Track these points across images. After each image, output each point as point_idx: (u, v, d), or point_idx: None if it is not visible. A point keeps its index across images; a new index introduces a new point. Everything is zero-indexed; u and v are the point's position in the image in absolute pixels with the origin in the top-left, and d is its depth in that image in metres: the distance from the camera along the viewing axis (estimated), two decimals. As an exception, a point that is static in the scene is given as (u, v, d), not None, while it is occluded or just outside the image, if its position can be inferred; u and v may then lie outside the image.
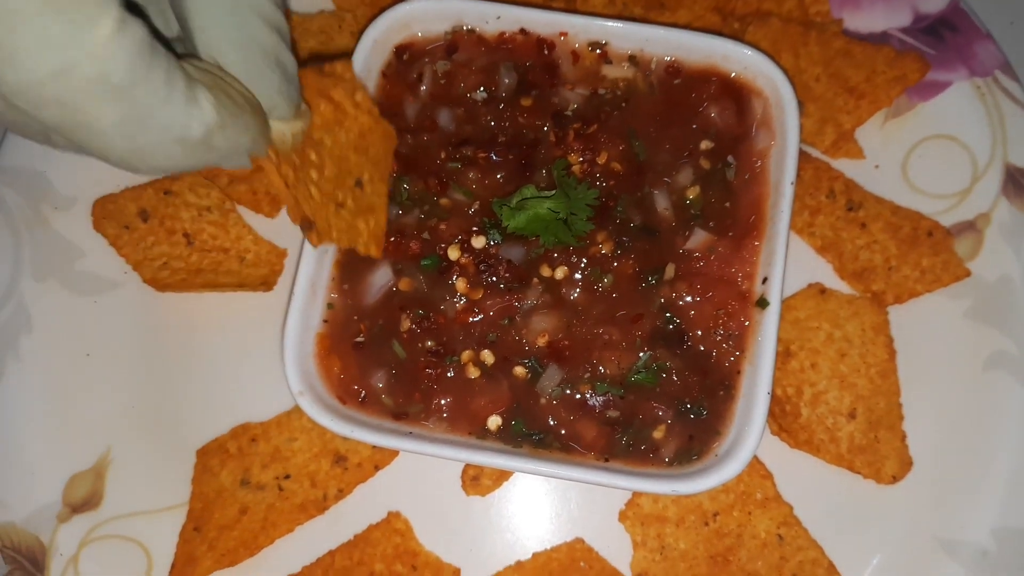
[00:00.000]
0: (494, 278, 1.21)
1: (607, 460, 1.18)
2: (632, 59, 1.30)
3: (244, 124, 0.86)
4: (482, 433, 1.19)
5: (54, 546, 1.30)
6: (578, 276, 1.21)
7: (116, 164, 0.80)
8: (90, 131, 0.74)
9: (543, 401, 1.19)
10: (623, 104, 1.29)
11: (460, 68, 1.31)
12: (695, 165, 1.26)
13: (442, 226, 1.23)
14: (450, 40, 1.32)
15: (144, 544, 1.31)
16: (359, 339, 1.22)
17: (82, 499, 1.32)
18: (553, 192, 1.22)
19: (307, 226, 1.09)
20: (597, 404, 1.18)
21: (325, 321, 1.23)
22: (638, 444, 1.18)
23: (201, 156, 0.84)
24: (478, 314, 1.20)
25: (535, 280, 1.21)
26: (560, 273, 1.21)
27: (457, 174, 1.25)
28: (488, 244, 1.22)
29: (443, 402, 1.19)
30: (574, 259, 1.22)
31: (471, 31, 1.32)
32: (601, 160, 1.25)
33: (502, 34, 1.32)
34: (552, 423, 1.19)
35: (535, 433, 1.18)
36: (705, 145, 1.27)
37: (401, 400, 1.20)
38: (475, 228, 1.23)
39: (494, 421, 1.19)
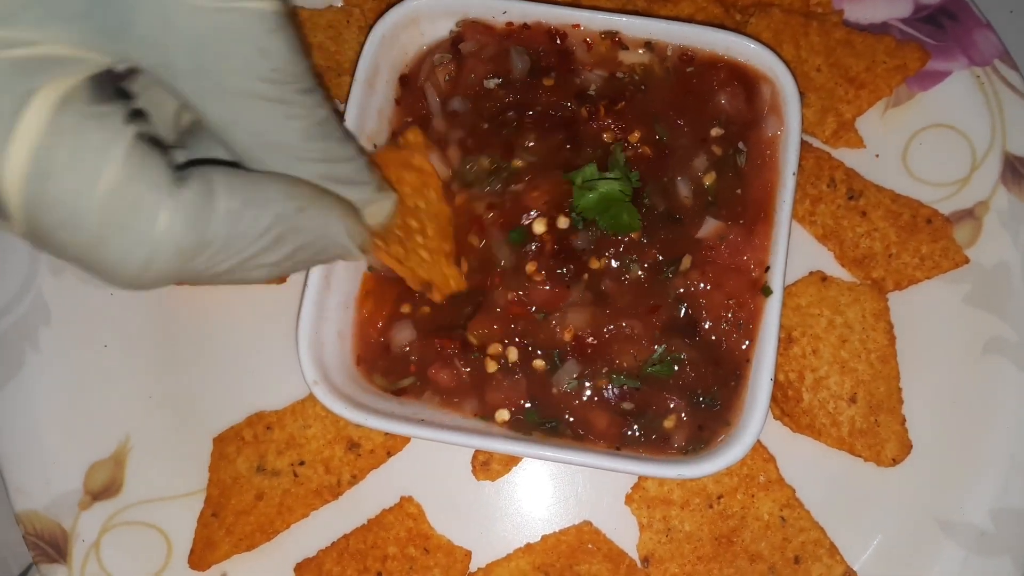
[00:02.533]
0: (563, 269, 1.20)
1: (618, 449, 1.19)
2: (648, 45, 1.31)
3: (323, 207, 0.94)
4: (490, 417, 1.20)
5: (76, 532, 1.33)
6: (615, 264, 1.20)
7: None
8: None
9: (555, 392, 1.20)
10: (643, 87, 1.29)
11: (469, 58, 1.31)
12: (708, 152, 1.26)
13: (534, 194, 1.21)
14: (456, 33, 1.33)
15: (163, 530, 1.34)
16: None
17: (102, 486, 1.36)
18: (617, 175, 1.20)
19: (427, 288, 1.18)
20: (613, 397, 1.19)
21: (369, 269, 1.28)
22: (649, 434, 1.19)
23: (293, 257, 0.93)
24: (526, 307, 1.20)
25: (586, 276, 1.20)
26: (598, 264, 1.20)
27: (516, 137, 1.24)
28: (571, 226, 1.20)
29: (438, 377, 1.21)
30: (612, 248, 1.21)
31: (478, 22, 1.32)
32: (633, 138, 1.25)
33: (510, 24, 1.32)
34: (565, 412, 1.20)
35: (548, 421, 1.20)
36: (715, 132, 1.27)
37: (394, 378, 1.23)
38: (565, 208, 1.21)
39: (504, 413, 1.20)
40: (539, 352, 1.20)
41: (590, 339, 1.19)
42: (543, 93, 1.28)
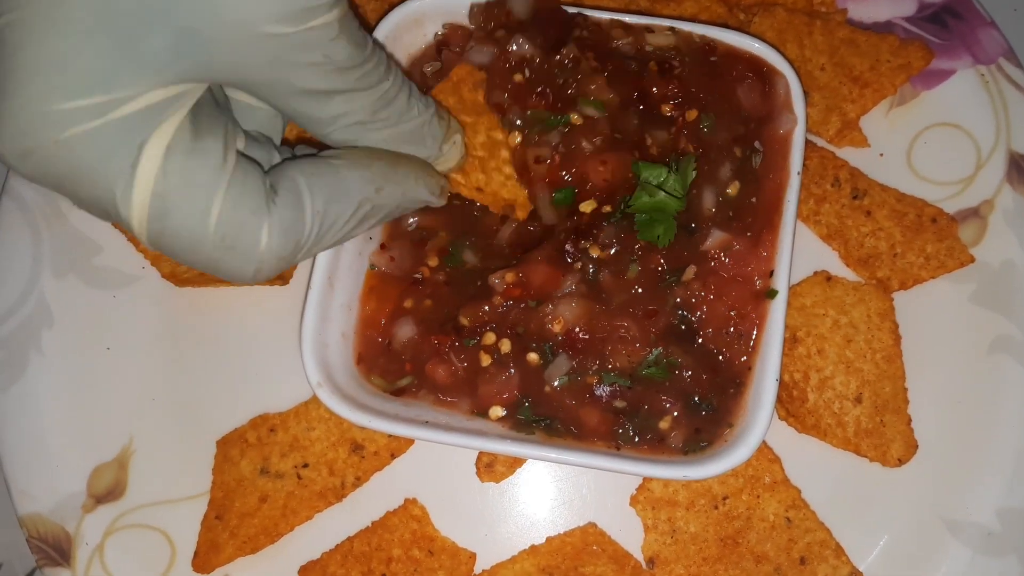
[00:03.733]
0: (567, 249, 1.18)
1: (619, 448, 1.18)
2: (673, 29, 1.28)
3: (400, 177, 1.03)
4: (484, 413, 1.19)
5: (80, 536, 1.33)
6: (615, 260, 1.18)
7: None
8: None
9: (547, 389, 1.18)
10: (686, 58, 1.26)
11: (455, 59, 1.28)
12: (732, 155, 1.23)
13: (600, 167, 1.17)
14: (441, 37, 1.32)
15: (167, 532, 1.34)
16: (417, 275, 1.24)
17: (106, 489, 1.35)
18: (681, 193, 1.17)
19: (510, 210, 1.18)
20: (604, 394, 1.18)
21: (391, 258, 1.26)
22: (644, 433, 1.18)
23: (381, 221, 1.04)
24: (523, 291, 1.18)
25: (578, 265, 1.18)
26: (601, 253, 1.18)
27: (580, 82, 1.20)
28: (611, 213, 1.19)
29: (434, 372, 1.20)
30: (620, 245, 1.19)
31: (465, 26, 1.30)
32: (691, 116, 1.22)
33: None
34: (558, 408, 1.19)
35: (543, 419, 1.19)
36: (740, 130, 1.24)
37: (391, 378, 1.22)
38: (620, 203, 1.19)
39: (499, 410, 1.19)
40: (532, 345, 1.18)
41: (581, 334, 1.18)
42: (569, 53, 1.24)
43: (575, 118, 1.19)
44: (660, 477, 1.19)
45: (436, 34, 1.32)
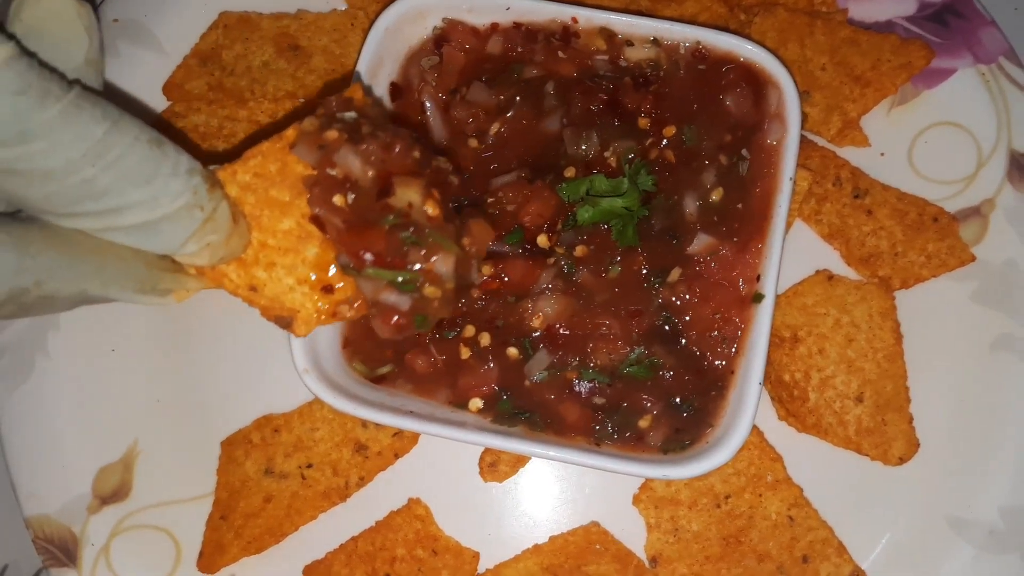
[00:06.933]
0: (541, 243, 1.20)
1: (598, 444, 1.18)
2: (655, 41, 1.29)
3: (77, 275, 0.85)
4: (463, 405, 1.19)
5: (85, 537, 1.34)
6: (596, 258, 1.20)
7: None
8: None
9: (527, 384, 1.19)
10: (661, 73, 1.28)
11: (454, 54, 1.30)
12: (717, 162, 1.24)
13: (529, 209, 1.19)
14: (440, 31, 1.32)
15: (172, 533, 1.35)
16: None
17: (111, 490, 1.36)
18: (625, 189, 1.18)
19: (284, 323, 0.99)
20: (584, 390, 1.19)
21: None
22: (623, 430, 1.19)
23: (60, 306, 0.87)
24: (500, 284, 1.18)
25: (551, 260, 1.20)
26: (583, 251, 1.20)
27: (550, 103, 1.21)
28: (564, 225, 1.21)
29: (414, 363, 1.20)
30: (598, 243, 1.20)
31: (466, 24, 1.31)
32: (668, 134, 1.23)
33: (496, 25, 1.31)
34: (537, 403, 1.19)
35: (523, 412, 1.19)
36: (727, 138, 1.26)
37: (373, 365, 1.22)
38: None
39: (478, 402, 1.19)
40: (512, 339, 1.18)
41: (562, 330, 1.18)
42: (563, 64, 1.26)
43: (428, 290, 0.99)
44: (638, 475, 1.19)
45: (435, 27, 1.32)
